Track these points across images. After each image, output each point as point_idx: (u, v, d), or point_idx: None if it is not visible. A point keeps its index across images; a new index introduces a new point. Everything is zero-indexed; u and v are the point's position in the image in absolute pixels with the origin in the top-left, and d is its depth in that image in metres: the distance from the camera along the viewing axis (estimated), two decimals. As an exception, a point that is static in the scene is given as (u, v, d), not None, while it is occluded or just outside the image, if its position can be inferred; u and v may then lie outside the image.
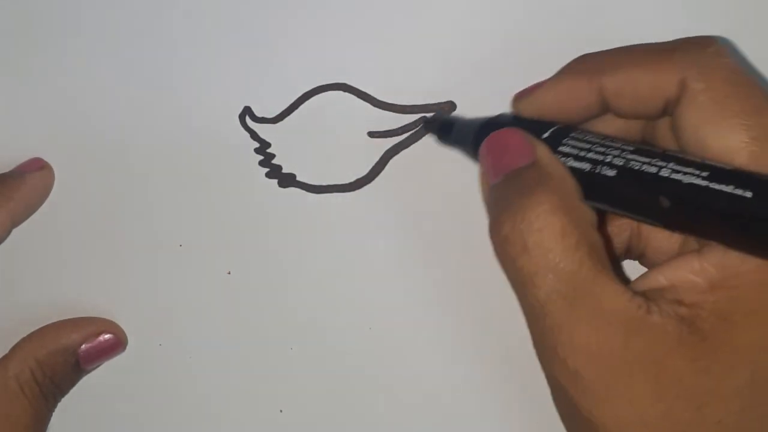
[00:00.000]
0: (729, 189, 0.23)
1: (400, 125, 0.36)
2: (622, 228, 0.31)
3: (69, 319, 0.37)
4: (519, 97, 0.31)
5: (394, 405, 0.36)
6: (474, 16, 0.36)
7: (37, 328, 0.36)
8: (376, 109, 0.36)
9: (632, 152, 0.26)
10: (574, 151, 0.28)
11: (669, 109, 0.27)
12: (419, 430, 0.36)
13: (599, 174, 0.27)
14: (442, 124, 0.34)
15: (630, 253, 0.32)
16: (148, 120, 0.37)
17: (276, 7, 0.37)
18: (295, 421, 0.37)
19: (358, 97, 0.36)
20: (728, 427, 0.24)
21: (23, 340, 0.36)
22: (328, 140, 0.37)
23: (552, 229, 0.25)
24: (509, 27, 0.36)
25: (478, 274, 0.34)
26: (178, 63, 0.37)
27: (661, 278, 0.26)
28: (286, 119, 0.37)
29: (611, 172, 0.26)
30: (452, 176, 0.35)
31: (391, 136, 0.36)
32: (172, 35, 0.37)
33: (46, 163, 0.38)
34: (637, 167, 0.26)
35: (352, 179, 0.36)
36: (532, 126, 0.29)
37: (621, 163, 0.26)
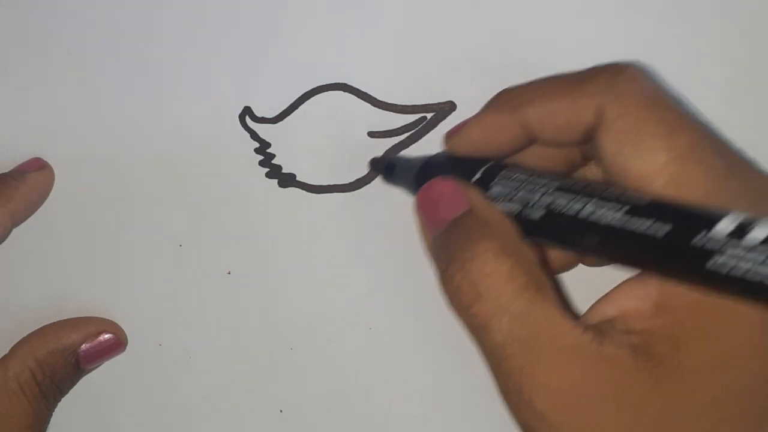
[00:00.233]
0: (648, 224, 0.24)
1: (400, 125, 0.36)
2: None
3: (69, 319, 0.37)
4: (449, 136, 0.31)
5: (394, 405, 0.36)
6: (474, 15, 0.36)
7: (37, 328, 0.36)
8: (376, 109, 0.36)
9: (556, 190, 0.27)
10: (504, 192, 0.28)
11: (590, 136, 0.28)
12: (419, 430, 0.36)
13: (528, 217, 0.28)
14: (386, 165, 0.35)
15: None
16: (148, 120, 0.37)
17: (276, 7, 0.37)
18: (295, 421, 0.37)
19: (358, 97, 0.36)
20: None
21: (23, 340, 0.36)
22: (328, 140, 0.37)
23: (500, 273, 0.26)
24: (509, 27, 0.36)
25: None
26: (178, 63, 0.37)
27: (609, 309, 0.26)
28: (286, 119, 0.37)
29: (539, 213, 0.27)
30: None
31: (391, 136, 0.36)
32: (172, 35, 0.37)
33: (46, 163, 0.38)
34: (561, 207, 0.26)
35: (352, 179, 0.37)
36: (466, 165, 0.30)
37: (547, 203, 0.27)
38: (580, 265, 0.33)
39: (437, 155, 0.32)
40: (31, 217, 0.37)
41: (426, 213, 0.30)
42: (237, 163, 0.37)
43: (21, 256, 0.38)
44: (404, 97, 0.36)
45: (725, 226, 0.22)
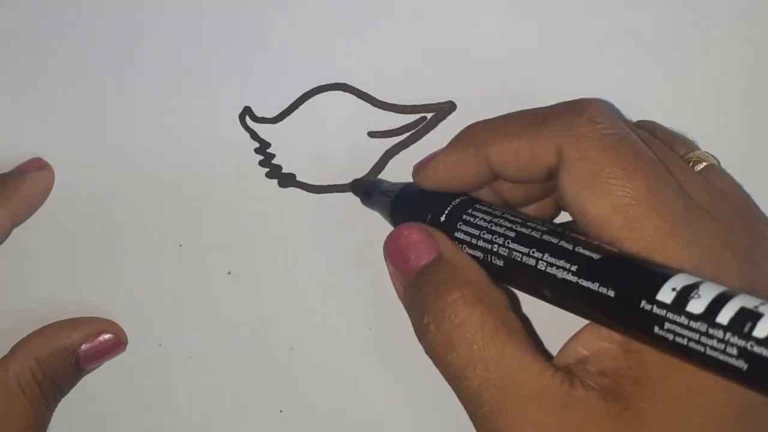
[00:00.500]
0: (594, 287, 0.25)
1: (400, 125, 0.36)
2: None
3: (69, 319, 0.37)
4: (417, 169, 0.32)
5: (395, 405, 0.36)
6: (474, 15, 0.36)
7: (37, 328, 0.36)
8: (376, 109, 0.36)
9: (513, 240, 0.28)
10: (467, 238, 0.29)
11: (552, 175, 0.28)
12: (419, 430, 0.36)
13: (491, 262, 0.28)
14: (365, 190, 0.36)
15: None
16: (148, 120, 0.37)
17: (276, 7, 0.37)
18: (295, 421, 0.37)
19: (358, 97, 0.36)
20: None
21: (23, 340, 0.36)
22: (328, 140, 0.37)
23: (471, 321, 0.27)
24: (509, 27, 0.36)
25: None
26: (178, 63, 0.37)
27: (580, 348, 0.27)
28: (286, 119, 0.37)
29: (499, 263, 0.28)
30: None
31: (391, 136, 0.36)
32: (172, 35, 0.37)
33: (46, 163, 0.38)
34: (518, 259, 0.27)
35: (351, 179, 0.36)
36: (437, 197, 0.31)
37: (505, 254, 0.28)
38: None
39: (410, 186, 0.33)
40: (31, 217, 0.37)
41: (395, 262, 0.30)
42: (237, 162, 0.37)
43: (21, 256, 0.38)
44: (404, 97, 0.36)
45: (667, 293, 0.23)
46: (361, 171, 0.36)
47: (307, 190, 0.37)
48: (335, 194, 0.37)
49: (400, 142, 0.36)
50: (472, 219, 0.29)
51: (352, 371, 0.36)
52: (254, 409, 0.37)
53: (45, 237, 0.38)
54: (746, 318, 0.21)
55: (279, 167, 0.37)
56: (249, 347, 0.37)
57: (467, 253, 0.29)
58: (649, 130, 0.31)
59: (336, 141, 0.37)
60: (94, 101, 0.37)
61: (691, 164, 0.30)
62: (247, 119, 0.37)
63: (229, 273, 0.37)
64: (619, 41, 0.35)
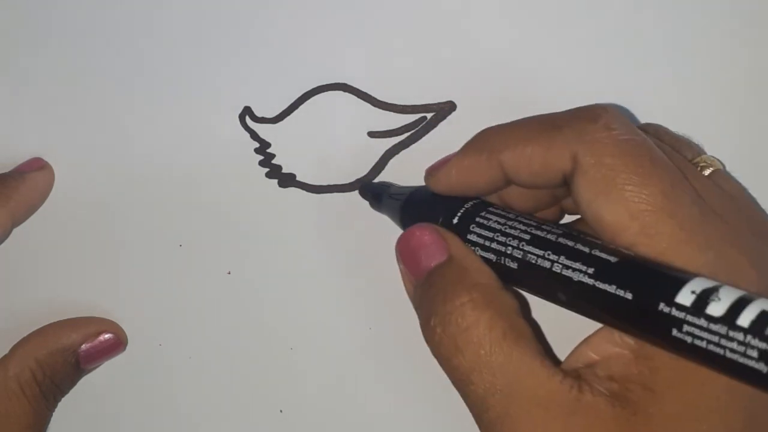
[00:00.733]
0: (612, 289, 0.24)
1: (400, 125, 0.36)
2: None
3: (69, 319, 0.37)
4: (430, 173, 0.32)
5: (394, 405, 0.36)
6: (474, 15, 0.36)
7: (37, 328, 0.36)
8: (376, 109, 0.36)
9: (528, 242, 0.27)
10: (480, 240, 0.29)
11: (567, 181, 0.28)
12: (420, 430, 0.36)
13: (505, 265, 0.28)
14: (372, 194, 0.35)
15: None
16: (148, 120, 0.37)
17: (276, 7, 0.37)
18: (295, 421, 0.37)
19: (358, 97, 0.36)
20: None
21: (23, 340, 0.36)
22: (328, 140, 0.37)
23: (478, 325, 0.27)
24: (509, 27, 0.36)
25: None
26: (178, 63, 0.37)
27: (591, 352, 0.27)
28: (286, 119, 0.37)
29: (513, 265, 0.28)
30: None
31: (391, 136, 0.36)
32: (172, 35, 0.37)
33: (46, 163, 0.38)
34: (533, 261, 0.27)
35: (352, 179, 0.36)
36: (448, 201, 0.31)
37: (520, 256, 0.27)
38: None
39: (420, 189, 0.33)
40: (31, 217, 0.37)
41: (406, 263, 0.30)
42: (237, 163, 0.37)
43: (21, 256, 0.38)
44: (404, 97, 0.36)
45: (687, 296, 0.23)
46: (361, 171, 0.36)
47: (307, 190, 0.37)
48: (335, 194, 0.37)
49: (400, 142, 0.36)
50: (485, 221, 0.29)
51: (352, 371, 0.36)
52: (254, 409, 0.37)
53: (45, 237, 0.38)
54: (767, 321, 0.21)
55: (279, 167, 0.37)
56: (249, 347, 0.37)
57: (480, 255, 0.29)
58: (654, 133, 0.31)
59: (336, 141, 0.37)
60: (94, 101, 0.37)
61: (699, 169, 0.30)
62: (247, 119, 0.37)
63: (229, 273, 0.37)
64: (620, 41, 0.35)
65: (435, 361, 0.36)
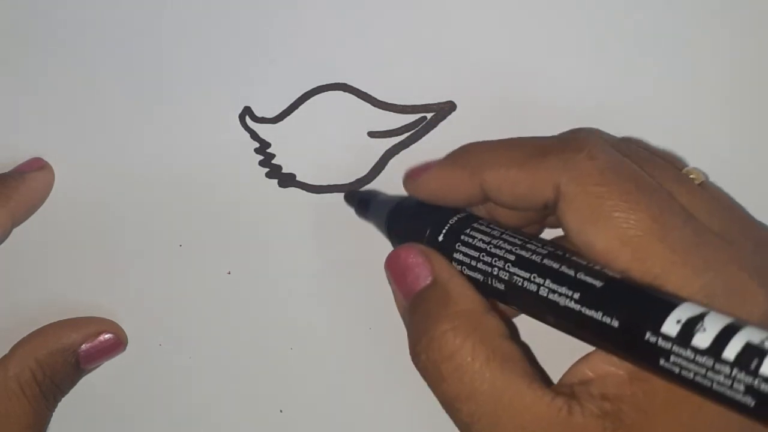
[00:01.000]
0: (598, 316, 0.24)
1: (400, 125, 0.36)
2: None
3: (69, 319, 0.37)
4: (409, 178, 0.32)
5: (395, 405, 0.36)
6: (474, 15, 0.36)
7: (37, 328, 0.36)
8: (376, 109, 0.36)
9: (513, 264, 0.27)
10: (466, 260, 0.29)
11: (549, 208, 0.28)
12: (420, 430, 0.36)
13: (492, 285, 0.28)
14: (360, 201, 0.35)
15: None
16: (147, 120, 0.37)
17: (276, 7, 0.37)
18: (295, 421, 0.37)
19: (358, 97, 0.36)
20: None
21: (23, 340, 0.36)
22: (328, 140, 0.37)
23: (461, 352, 0.27)
24: (509, 27, 0.36)
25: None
26: (178, 63, 0.37)
27: (587, 370, 0.26)
28: (286, 119, 0.37)
29: (500, 286, 0.28)
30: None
31: (391, 136, 0.36)
32: (172, 35, 0.37)
33: (46, 163, 0.38)
34: (519, 284, 0.27)
35: (352, 179, 0.36)
36: (434, 213, 0.31)
37: (506, 278, 0.27)
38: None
39: (406, 200, 0.33)
40: (31, 217, 0.37)
41: (396, 282, 0.30)
42: (237, 163, 0.37)
43: (21, 256, 0.38)
44: (404, 97, 0.36)
45: (672, 326, 0.22)
46: (361, 171, 0.36)
47: (307, 190, 0.37)
48: (335, 194, 0.37)
49: (400, 142, 0.36)
50: (470, 240, 0.29)
51: (351, 371, 0.36)
52: (254, 409, 0.37)
53: (45, 237, 0.38)
54: (752, 354, 0.21)
55: (279, 167, 0.37)
56: (249, 347, 0.37)
57: (467, 275, 0.29)
58: (636, 148, 0.30)
59: (336, 141, 0.37)
60: (94, 101, 0.37)
61: None
62: (247, 119, 0.37)
63: (229, 273, 0.37)
64: (620, 42, 0.35)
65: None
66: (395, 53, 0.36)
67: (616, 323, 0.24)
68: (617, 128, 0.33)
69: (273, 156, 0.37)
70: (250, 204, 0.37)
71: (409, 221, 0.32)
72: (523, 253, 0.27)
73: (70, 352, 0.36)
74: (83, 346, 0.36)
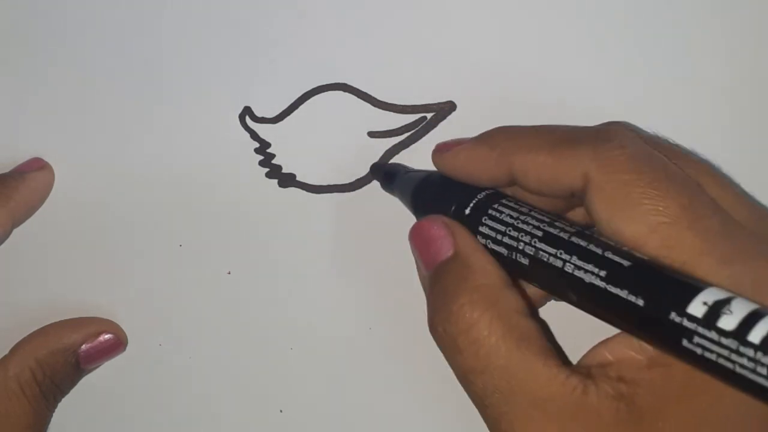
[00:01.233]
0: (623, 294, 0.24)
1: (400, 125, 0.36)
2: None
3: (69, 319, 0.37)
4: (436, 152, 0.32)
5: (395, 405, 0.36)
6: (474, 15, 0.36)
7: (37, 328, 0.36)
8: (376, 109, 0.36)
9: (540, 239, 0.27)
10: (492, 234, 0.29)
11: (577, 196, 0.28)
12: (420, 430, 0.36)
13: (516, 260, 0.28)
14: (385, 174, 0.35)
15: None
16: (148, 120, 0.37)
17: (276, 7, 0.37)
18: (295, 421, 0.37)
19: (358, 97, 0.36)
20: None
21: (23, 340, 0.36)
22: (328, 140, 0.37)
23: (478, 326, 0.27)
24: (509, 27, 0.36)
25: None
26: (178, 63, 0.37)
27: (606, 353, 0.27)
28: (286, 119, 0.37)
29: (524, 261, 0.28)
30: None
31: (391, 136, 0.36)
32: (172, 35, 0.37)
33: (46, 163, 0.37)
34: (545, 259, 0.27)
35: (352, 179, 0.36)
36: (461, 189, 0.31)
37: (531, 253, 0.27)
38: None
39: (434, 174, 0.33)
40: (31, 217, 0.37)
41: (419, 252, 0.30)
42: (237, 163, 0.37)
43: (21, 256, 0.38)
44: (404, 97, 0.36)
45: (698, 307, 0.22)
46: (361, 171, 0.36)
47: (307, 190, 0.37)
48: (335, 194, 0.37)
49: (400, 142, 0.36)
50: (498, 214, 0.29)
51: (352, 371, 0.36)
52: (254, 409, 0.37)
53: (45, 237, 0.38)
54: None
55: (279, 167, 0.37)
56: (249, 347, 0.37)
57: (491, 248, 0.29)
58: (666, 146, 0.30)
59: (336, 141, 0.37)
60: (94, 101, 0.37)
61: None
62: (247, 119, 0.37)
63: (229, 273, 0.37)
64: (620, 42, 0.35)
65: (435, 361, 0.36)
66: (395, 53, 0.36)
67: (641, 302, 0.24)
68: (617, 128, 0.33)
69: (273, 156, 0.37)
70: (250, 204, 0.37)
71: (436, 195, 0.32)
72: (550, 229, 0.27)
73: (71, 352, 0.36)
74: (83, 347, 0.36)
